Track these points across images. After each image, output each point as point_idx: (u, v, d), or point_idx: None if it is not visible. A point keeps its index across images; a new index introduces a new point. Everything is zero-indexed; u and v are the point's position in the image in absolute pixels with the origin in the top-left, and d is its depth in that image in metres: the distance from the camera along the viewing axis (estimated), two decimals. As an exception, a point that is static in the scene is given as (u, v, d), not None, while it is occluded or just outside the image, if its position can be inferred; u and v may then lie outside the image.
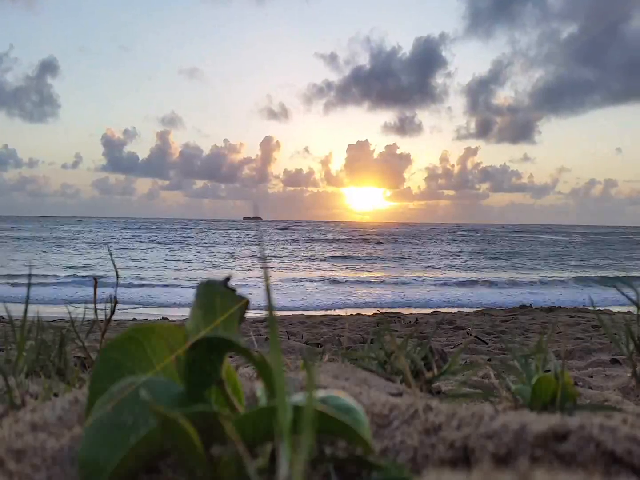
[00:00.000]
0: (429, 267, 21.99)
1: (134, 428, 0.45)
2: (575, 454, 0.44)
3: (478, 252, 30.08)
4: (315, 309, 10.71)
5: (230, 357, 0.88)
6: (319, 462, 0.48)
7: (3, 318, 5.55)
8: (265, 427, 0.44)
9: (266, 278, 0.39)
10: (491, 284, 16.12)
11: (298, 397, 0.46)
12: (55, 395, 0.83)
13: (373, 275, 18.40)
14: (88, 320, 1.21)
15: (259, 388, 0.60)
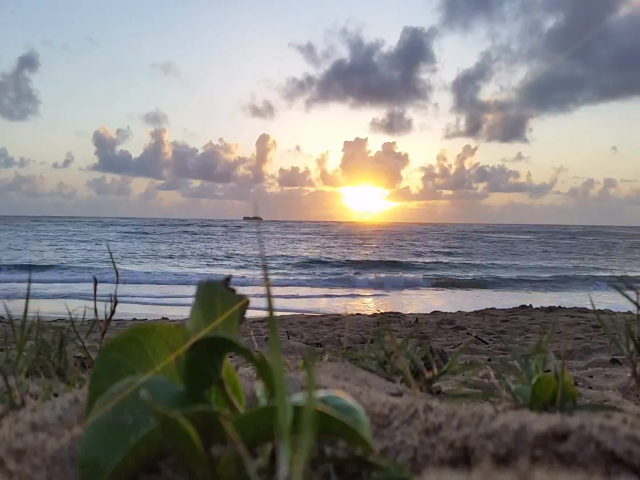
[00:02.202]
0: (430, 266, 22.02)
1: (134, 428, 0.45)
2: (575, 454, 0.44)
3: (479, 252, 30.09)
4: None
5: (230, 357, 0.88)
6: (319, 462, 0.48)
7: (3, 318, 5.55)
8: (265, 427, 0.44)
9: (266, 278, 0.39)
10: (492, 283, 16.14)
11: (298, 397, 0.46)
12: (55, 395, 0.83)
13: (374, 275, 18.41)
14: (88, 320, 1.21)
15: (259, 388, 0.60)
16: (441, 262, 23.38)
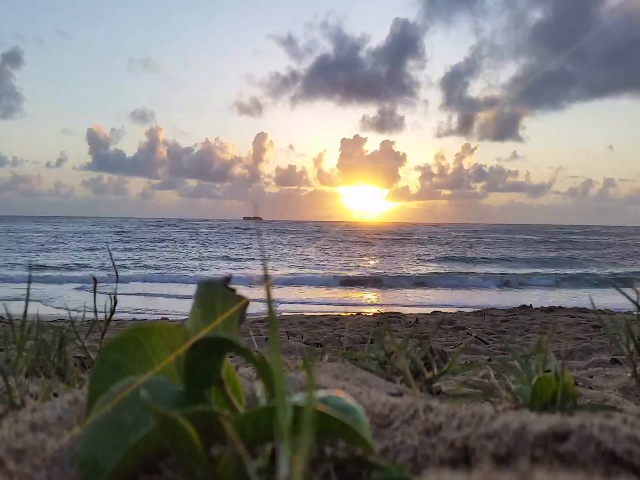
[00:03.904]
0: (431, 266, 22.02)
1: (134, 428, 0.45)
2: (575, 454, 0.44)
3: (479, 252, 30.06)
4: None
5: (230, 357, 0.88)
6: (319, 462, 0.48)
7: (3, 318, 5.55)
8: (265, 427, 0.44)
9: (266, 278, 0.38)
10: (492, 283, 16.16)
11: (298, 397, 0.46)
12: (55, 395, 0.83)
13: (376, 276, 18.41)
14: (88, 320, 1.21)
15: (259, 388, 0.60)
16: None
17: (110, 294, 1.15)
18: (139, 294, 12.68)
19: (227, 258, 24.93)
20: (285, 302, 11.73)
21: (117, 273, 1.26)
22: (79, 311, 1.22)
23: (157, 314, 9.12)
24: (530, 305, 8.76)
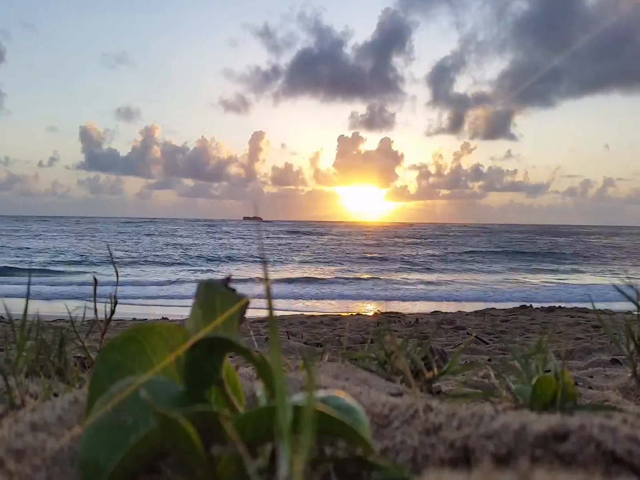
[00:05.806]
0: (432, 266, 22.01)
1: (134, 428, 0.45)
2: (575, 454, 0.44)
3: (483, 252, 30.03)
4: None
5: (230, 357, 0.88)
6: (319, 462, 0.48)
7: (3, 318, 5.55)
8: (265, 427, 0.44)
9: (266, 278, 0.38)
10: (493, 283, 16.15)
11: (298, 397, 0.46)
12: (55, 395, 0.83)
13: (377, 275, 18.39)
14: (88, 320, 1.21)
15: (259, 388, 0.60)
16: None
17: (110, 292, 1.15)
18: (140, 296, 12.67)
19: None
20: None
21: (117, 273, 1.26)
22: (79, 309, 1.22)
23: (157, 314, 9.11)
24: (530, 305, 8.76)
